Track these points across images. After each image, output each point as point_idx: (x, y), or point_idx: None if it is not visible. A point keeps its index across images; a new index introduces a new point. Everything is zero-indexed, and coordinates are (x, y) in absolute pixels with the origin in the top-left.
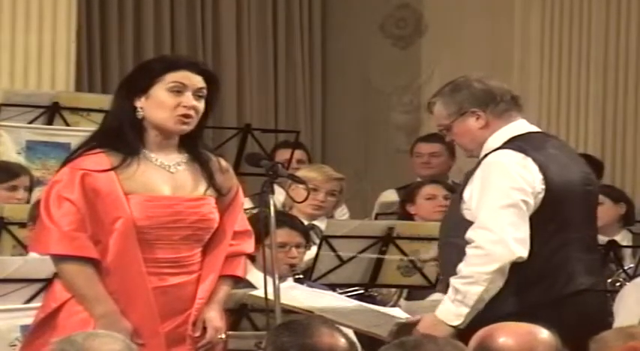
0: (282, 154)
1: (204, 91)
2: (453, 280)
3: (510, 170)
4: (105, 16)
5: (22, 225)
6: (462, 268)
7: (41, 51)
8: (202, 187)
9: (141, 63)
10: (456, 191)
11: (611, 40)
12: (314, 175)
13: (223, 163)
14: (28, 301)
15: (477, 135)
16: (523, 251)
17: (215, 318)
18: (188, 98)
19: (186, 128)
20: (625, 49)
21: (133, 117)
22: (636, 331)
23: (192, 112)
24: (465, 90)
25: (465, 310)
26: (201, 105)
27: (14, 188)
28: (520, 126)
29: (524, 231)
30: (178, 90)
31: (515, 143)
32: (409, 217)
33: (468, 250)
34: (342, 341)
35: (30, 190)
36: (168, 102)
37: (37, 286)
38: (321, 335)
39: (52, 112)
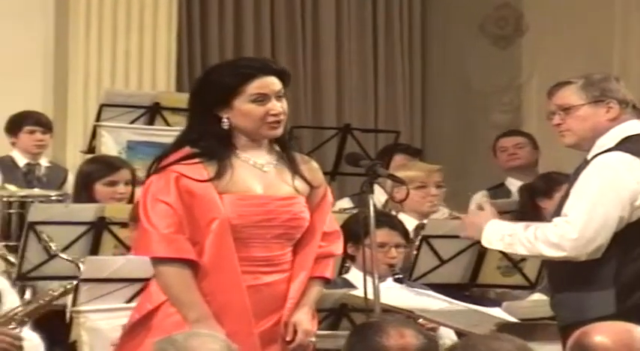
0: (399, 160)
1: (283, 91)
2: (524, 231)
3: (620, 180)
4: (205, 17)
5: (124, 225)
6: (535, 232)
7: (142, 51)
8: (294, 182)
9: (208, 75)
10: None
11: None
12: (415, 174)
13: (306, 157)
14: (130, 300)
15: (600, 125)
16: (590, 258)
17: (305, 321)
18: (274, 105)
19: (279, 132)
20: None
21: (219, 128)
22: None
23: (281, 117)
24: (614, 83)
25: (499, 246)
26: (285, 105)
27: (114, 183)
28: (632, 126)
29: (605, 242)
30: (261, 100)
31: (626, 145)
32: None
33: (549, 228)
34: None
35: (133, 184)
36: (256, 114)
37: (138, 285)
38: (389, 337)
39: (153, 112)
